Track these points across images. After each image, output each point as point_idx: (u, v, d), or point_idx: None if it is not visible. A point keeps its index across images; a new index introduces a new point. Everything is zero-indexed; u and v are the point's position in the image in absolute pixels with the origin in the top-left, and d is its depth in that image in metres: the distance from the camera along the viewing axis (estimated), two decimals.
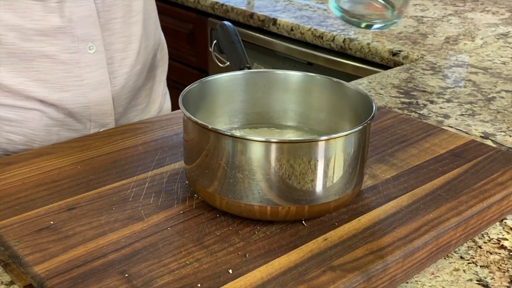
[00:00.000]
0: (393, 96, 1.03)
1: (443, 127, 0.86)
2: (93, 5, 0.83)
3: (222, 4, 1.77)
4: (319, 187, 0.60)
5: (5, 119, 0.84)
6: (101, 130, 0.88)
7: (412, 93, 1.06)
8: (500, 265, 0.62)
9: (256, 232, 0.59)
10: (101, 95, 0.86)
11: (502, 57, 1.27)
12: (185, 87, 0.67)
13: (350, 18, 0.76)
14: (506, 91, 1.07)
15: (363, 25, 0.77)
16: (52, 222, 0.60)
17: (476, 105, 1.01)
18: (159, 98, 1.02)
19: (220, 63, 0.89)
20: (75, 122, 0.87)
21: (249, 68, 0.81)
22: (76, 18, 0.81)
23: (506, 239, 0.66)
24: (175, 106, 0.85)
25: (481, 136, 0.89)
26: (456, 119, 0.95)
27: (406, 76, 1.15)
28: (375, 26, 0.77)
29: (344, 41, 1.44)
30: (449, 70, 1.20)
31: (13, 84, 0.81)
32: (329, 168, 0.60)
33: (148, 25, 0.94)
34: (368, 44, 1.40)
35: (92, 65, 0.84)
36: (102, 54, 0.84)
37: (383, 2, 0.76)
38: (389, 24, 0.77)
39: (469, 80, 1.12)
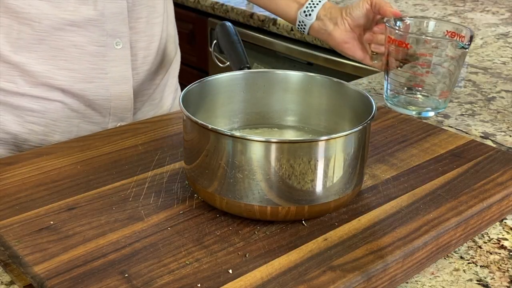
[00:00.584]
0: None
1: (443, 127, 0.86)
2: (125, 3, 0.86)
3: (222, 4, 1.77)
4: (319, 187, 0.60)
5: (28, 109, 0.86)
6: (119, 124, 0.91)
7: None
8: (500, 265, 0.62)
9: (256, 232, 0.59)
10: (123, 90, 0.89)
11: (502, 57, 1.27)
12: (185, 87, 0.67)
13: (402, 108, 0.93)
14: (506, 91, 1.07)
15: (414, 113, 0.92)
16: (52, 222, 0.60)
17: (476, 105, 1.01)
18: (172, 94, 1.05)
19: (220, 63, 0.89)
20: (95, 114, 0.90)
21: (249, 68, 0.82)
22: (107, 13, 0.84)
23: (506, 239, 0.66)
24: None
25: (481, 136, 0.89)
26: (456, 119, 0.95)
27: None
28: (425, 114, 0.93)
29: None
30: None
31: (40, 71, 0.84)
32: (329, 168, 0.60)
33: (167, 25, 0.97)
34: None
35: (117, 60, 0.87)
36: (127, 50, 0.88)
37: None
38: (438, 111, 0.94)
39: (469, 80, 1.12)
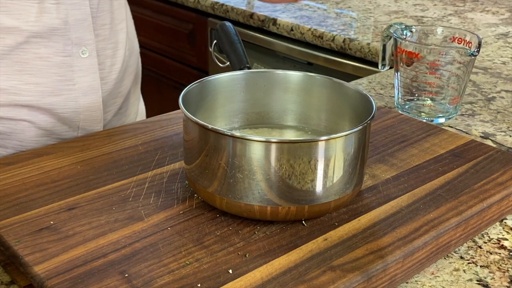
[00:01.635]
0: (393, 96, 1.03)
1: (443, 127, 0.86)
2: (88, 10, 0.83)
3: (222, 4, 1.77)
4: (319, 187, 0.60)
5: None
6: None
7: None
8: (500, 265, 0.62)
9: (256, 232, 0.59)
10: (92, 100, 0.86)
11: (502, 57, 1.27)
12: (185, 87, 0.67)
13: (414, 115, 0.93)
14: (506, 91, 1.07)
15: (425, 120, 0.93)
16: (52, 222, 0.60)
17: (476, 105, 1.01)
18: (136, 101, 1.03)
19: (220, 63, 0.89)
20: (64, 130, 0.87)
21: (249, 68, 0.81)
22: (71, 21, 0.82)
23: (506, 239, 0.66)
24: (173, 108, 0.85)
25: (481, 136, 0.89)
26: (456, 119, 0.95)
27: None
28: (436, 120, 0.94)
29: (344, 41, 1.44)
30: None
31: (5, 88, 0.80)
32: (329, 168, 0.60)
33: (130, 32, 0.95)
34: (368, 44, 1.40)
35: (84, 70, 0.84)
36: (94, 59, 0.85)
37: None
38: (449, 117, 0.94)
39: (469, 80, 1.12)
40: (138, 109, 1.04)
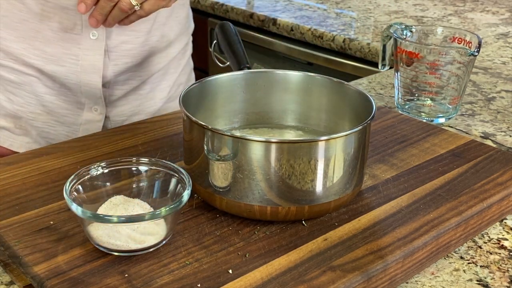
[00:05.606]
0: (393, 96, 1.03)
1: (443, 127, 0.86)
2: None
3: (222, 4, 1.77)
4: (319, 187, 0.60)
5: (6, 79, 0.92)
6: (94, 107, 0.95)
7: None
8: (500, 265, 0.62)
9: (256, 232, 0.59)
10: (91, 78, 0.92)
11: (502, 57, 1.27)
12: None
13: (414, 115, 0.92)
14: (506, 91, 1.07)
15: (426, 120, 0.93)
16: (52, 222, 0.60)
17: (476, 105, 1.01)
18: (168, 89, 1.05)
19: (220, 63, 0.89)
20: (69, 93, 0.94)
21: (249, 68, 0.81)
22: None
23: (506, 239, 0.66)
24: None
25: (481, 136, 0.89)
26: (456, 119, 0.95)
27: None
28: (436, 120, 0.93)
29: (344, 41, 1.44)
30: None
31: (16, 48, 0.89)
32: (329, 168, 0.60)
33: (157, 21, 0.97)
34: (368, 44, 1.40)
35: (90, 50, 0.90)
36: (102, 42, 0.90)
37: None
38: (449, 117, 0.94)
39: (469, 80, 1.12)
40: (168, 95, 1.06)
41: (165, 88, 1.04)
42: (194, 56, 1.17)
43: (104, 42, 0.90)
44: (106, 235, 0.54)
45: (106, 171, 0.61)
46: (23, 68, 0.90)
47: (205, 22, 1.87)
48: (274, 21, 1.61)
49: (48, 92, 0.93)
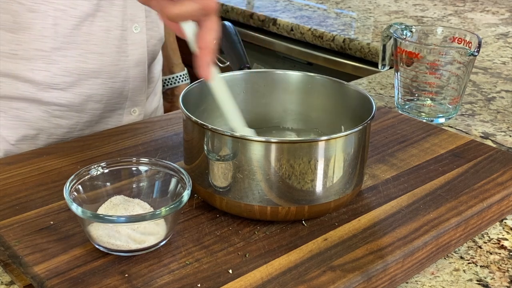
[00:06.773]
0: (393, 96, 1.03)
1: (443, 127, 0.86)
2: None
3: (222, 4, 1.77)
4: (319, 187, 0.60)
5: (55, 104, 0.87)
6: (133, 110, 0.95)
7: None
8: (500, 265, 0.62)
9: (256, 232, 0.59)
10: (139, 71, 0.93)
11: (502, 57, 1.27)
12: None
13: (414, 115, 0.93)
14: (506, 91, 1.07)
15: (425, 120, 0.93)
16: (52, 222, 0.60)
17: (476, 105, 1.01)
18: (157, 96, 1.07)
19: (220, 63, 0.89)
20: (114, 99, 0.92)
21: (249, 68, 0.81)
22: None
23: (506, 239, 0.66)
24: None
25: (481, 136, 0.89)
26: (456, 119, 0.95)
27: None
28: (436, 120, 0.93)
29: (344, 41, 1.44)
30: None
31: (73, 56, 0.85)
32: (329, 168, 0.60)
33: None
34: (368, 44, 1.40)
35: (136, 43, 0.91)
36: (144, 35, 0.91)
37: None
38: (449, 117, 0.94)
39: (469, 80, 1.12)
40: (158, 104, 1.08)
41: (156, 95, 1.05)
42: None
43: (145, 35, 0.91)
44: (106, 235, 0.54)
45: (106, 171, 0.61)
46: (76, 83, 0.87)
47: None
48: (274, 21, 1.61)
49: (96, 108, 0.90)
